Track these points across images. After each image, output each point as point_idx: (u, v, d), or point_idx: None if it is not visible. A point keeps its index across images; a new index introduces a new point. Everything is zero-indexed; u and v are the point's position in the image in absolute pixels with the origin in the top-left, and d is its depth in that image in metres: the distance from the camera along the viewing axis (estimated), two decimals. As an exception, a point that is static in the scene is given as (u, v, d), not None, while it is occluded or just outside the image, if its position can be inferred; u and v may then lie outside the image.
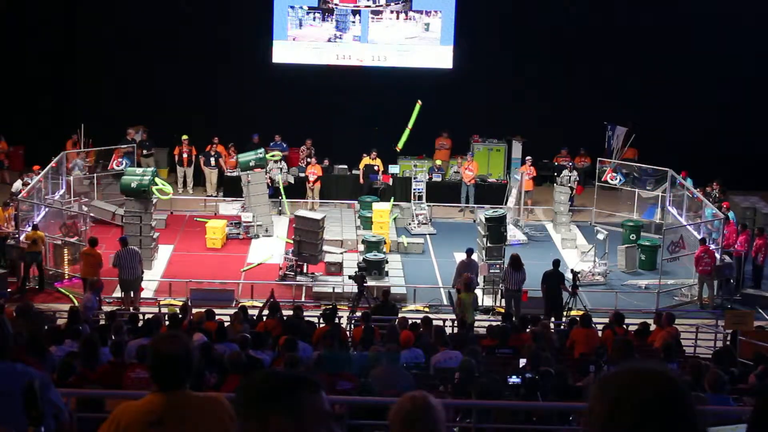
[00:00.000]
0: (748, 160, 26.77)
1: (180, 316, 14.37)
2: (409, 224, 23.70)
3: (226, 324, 13.60)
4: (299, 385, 2.63)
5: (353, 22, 27.32)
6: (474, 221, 23.19)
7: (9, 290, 18.80)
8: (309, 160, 26.10)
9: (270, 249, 21.93)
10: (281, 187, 24.47)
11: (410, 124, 24.51)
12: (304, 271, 20.17)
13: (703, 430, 2.37)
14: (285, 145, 26.43)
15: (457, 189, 25.72)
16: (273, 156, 24.77)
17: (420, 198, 24.29)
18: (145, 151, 26.37)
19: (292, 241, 20.94)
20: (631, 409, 2.33)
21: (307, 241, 19.84)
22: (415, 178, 24.47)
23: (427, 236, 23.26)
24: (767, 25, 26.72)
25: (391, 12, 27.29)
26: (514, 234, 23.28)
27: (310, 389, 2.63)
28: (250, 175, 22.99)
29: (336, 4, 27.14)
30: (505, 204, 24.38)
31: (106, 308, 16.91)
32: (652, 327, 15.15)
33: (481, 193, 25.75)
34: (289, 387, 2.62)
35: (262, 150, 23.97)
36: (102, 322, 15.18)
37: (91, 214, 22.28)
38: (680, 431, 2.33)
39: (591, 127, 26.57)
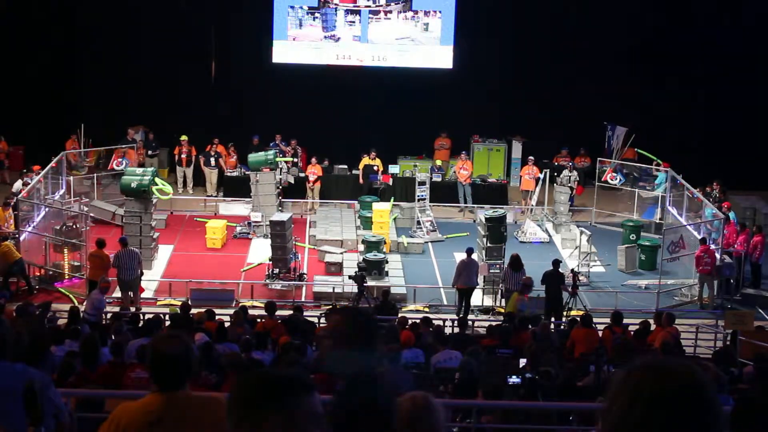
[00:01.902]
0: (748, 160, 26.77)
1: (182, 316, 14.39)
2: (415, 231, 23.54)
3: (226, 324, 13.61)
4: (293, 386, 2.63)
5: (352, 22, 27.31)
6: (474, 221, 23.18)
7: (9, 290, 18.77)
8: (295, 159, 26.00)
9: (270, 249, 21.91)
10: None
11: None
12: (302, 272, 20.10)
13: (722, 427, 2.35)
14: (283, 146, 26.38)
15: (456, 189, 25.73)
16: (285, 159, 24.91)
17: (423, 202, 24.11)
18: (150, 152, 26.38)
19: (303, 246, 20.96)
20: (647, 400, 2.32)
21: (279, 244, 19.69)
22: (420, 185, 24.11)
23: (429, 244, 23.08)
24: (766, 24, 26.70)
25: (391, 12, 27.29)
26: (534, 232, 23.29)
27: (304, 390, 2.63)
28: (259, 175, 22.99)
29: (336, 4, 27.14)
30: (532, 203, 24.41)
31: (107, 308, 16.90)
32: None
33: (481, 193, 25.74)
34: (283, 388, 2.61)
35: (273, 151, 24.01)
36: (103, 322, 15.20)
37: (91, 214, 22.27)
38: (698, 424, 2.32)
39: (591, 127, 26.56)
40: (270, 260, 19.99)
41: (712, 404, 2.34)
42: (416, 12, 27.31)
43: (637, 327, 15.38)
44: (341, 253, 21.26)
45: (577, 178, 24.87)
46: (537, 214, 24.62)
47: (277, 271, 19.78)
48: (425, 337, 13.33)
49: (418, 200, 23.99)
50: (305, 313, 16.29)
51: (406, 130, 27.21)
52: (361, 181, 25.61)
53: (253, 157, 23.49)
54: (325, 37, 27.31)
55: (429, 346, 12.56)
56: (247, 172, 25.75)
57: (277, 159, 23.86)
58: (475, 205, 24.89)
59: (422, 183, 24.12)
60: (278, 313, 15.69)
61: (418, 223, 23.50)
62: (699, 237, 20.44)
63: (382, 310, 16.59)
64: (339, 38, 27.38)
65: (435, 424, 3.01)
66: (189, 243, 22.48)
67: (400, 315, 16.30)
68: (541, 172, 25.13)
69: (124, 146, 25.38)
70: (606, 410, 2.38)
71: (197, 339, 11.97)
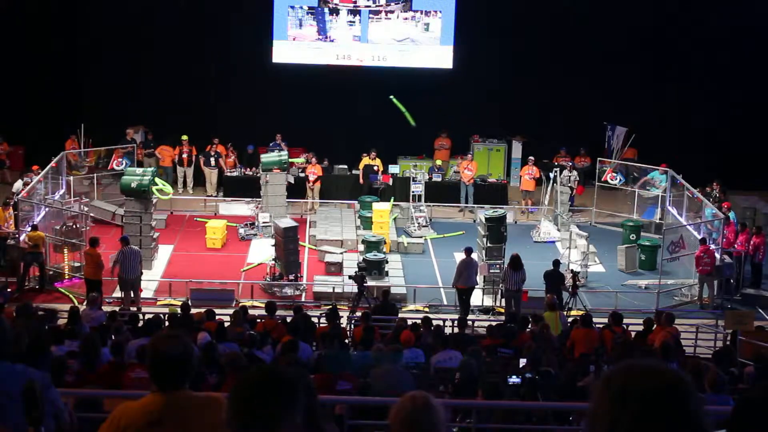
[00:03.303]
0: (748, 160, 26.78)
1: (182, 316, 14.36)
2: (409, 227, 23.61)
3: (226, 324, 13.60)
4: (293, 386, 2.62)
5: (352, 22, 27.30)
6: (474, 221, 23.18)
7: (9, 290, 18.77)
8: (303, 161, 26.04)
9: (270, 249, 21.90)
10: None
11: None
12: (291, 279, 19.99)
13: (707, 427, 2.36)
14: (284, 145, 26.39)
15: (456, 189, 25.71)
16: (295, 160, 24.99)
17: (418, 200, 24.17)
18: (147, 151, 26.40)
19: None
20: (635, 402, 2.32)
21: (284, 249, 19.58)
22: (413, 181, 24.30)
23: (428, 239, 23.14)
24: (767, 24, 26.69)
25: (391, 12, 27.28)
26: (549, 232, 23.24)
27: (303, 390, 2.62)
28: (269, 176, 22.99)
29: (336, 4, 27.14)
30: (546, 203, 24.28)
31: (106, 308, 16.88)
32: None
33: (481, 193, 25.73)
34: (282, 388, 2.60)
35: (285, 152, 24.07)
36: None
37: (91, 214, 22.26)
38: (683, 425, 2.32)
39: (591, 127, 26.56)
40: (275, 264, 19.82)
41: (698, 400, 2.36)
42: (416, 12, 27.30)
43: (641, 327, 15.39)
44: (341, 253, 21.26)
45: (577, 178, 24.87)
46: (549, 213, 24.37)
47: (278, 275, 19.70)
48: (425, 337, 13.33)
49: (413, 197, 24.04)
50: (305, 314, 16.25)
51: (406, 130, 27.20)
52: (361, 181, 25.62)
53: (266, 157, 23.56)
54: (319, 39, 27.30)
55: (429, 346, 12.55)
56: (246, 172, 25.85)
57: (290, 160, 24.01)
58: (476, 206, 24.88)
59: (416, 179, 24.16)
60: (277, 313, 15.69)
61: (412, 219, 23.60)
62: (699, 237, 20.44)
63: (382, 310, 16.58)
64: (333, 39, 27.35)
65: (435, 425, 3.00)
66: (189, 243, 22.48)
67: (400, 315, 16.29)
68: (541, 173, 25.11)
69: (123, 146, 25.39)
70: (593, 414, 2.38)
71: (200, 339, 11.96)
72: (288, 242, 19.61)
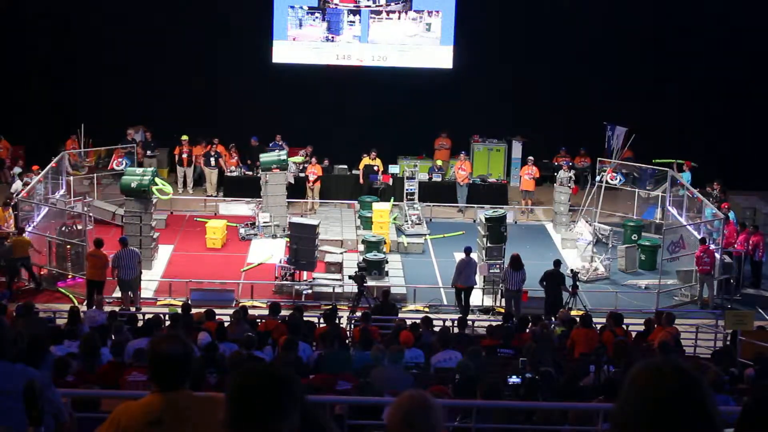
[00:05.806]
0: (748, 160, 26.75)
1: (182, 316, 14.36)
2: (403, 225, 23.61)
3: (226, 324, 13.61)
4: (290, 386, 2.61)
5: (352, 22, 27.30)
6: (474, 221, 23.18)
7: (9, 290, 18.76)
8: (303, 161, 26.04)
9: (270, 249, 21.92)
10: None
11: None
12: (303, 278, 19.98)
13: (720, 426, 2.38)
14: (285, 145, 26.39)
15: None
16: (295, 159, 24.99)
17: (412, 198, 24.17)
18: (149, 152, 26.40)
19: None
20: (654, 402, 2.34)
21: (303, 248, 19.56)
22: (408, 179, 24.24)
23: (426, 237, 23.17)
24: (767, 25, 26.68)
25: (392, 12, 27.29)
26: (581, 232, 23.19)
27: (299, 389, 2.62)
28: (269, 176, 23.00)
29: (336, 4, 27.13)
30: (586, 204, 24.04)
31: (106, 308, 16.89)
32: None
33: (481, 193, 25.71)
34: (280, 388, 2.60)
35: (285, 151, 24.07)
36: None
37: (91, 214, 22.25)
38: (699, 424, 2.34)
39: (591, 127, 26.54)
40: (294, 264, 19.76)
41: (713, 401, 2.37)
42: (417, 12, 27.30)
43: (642, 327, 15.38)
44: (341, 253, 21.26)
45: (573, 177, 24.77)
46: (587, 214, 24.13)
47: (287, 273, 19.71)
48: (426, 337, 13.32)
49: (407, 195, 24.03)
50: (305, 314, 16.25)
51: (406, 130, 27.21)
52: (361, 181, 25.62)
53: (265, 156, 23.55)
54: (327, 38, 27.30)
55: (429, 346, 12.56)
56: (247, 173, 25.83)
57: (290, 159, 23.98)
58: (475, 205, 24.83)
59: (411, 178, 24.16)
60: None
61: (406, 217, 23.63)
62: (699, 237, 20.44)
63: (382, 310, 16.59)
64: (333, 39, 27.34)
65: (434, 423, 3.00)
66: (189, 243, 22.48)
67: (400, 315, 16.27)
68: (530, 169, 25.15)
69: (124, 146, 25.39)
70: (616, 411, 2.41)
71: (200, 339, 11.97)
72: (309, 240, 19.56)
